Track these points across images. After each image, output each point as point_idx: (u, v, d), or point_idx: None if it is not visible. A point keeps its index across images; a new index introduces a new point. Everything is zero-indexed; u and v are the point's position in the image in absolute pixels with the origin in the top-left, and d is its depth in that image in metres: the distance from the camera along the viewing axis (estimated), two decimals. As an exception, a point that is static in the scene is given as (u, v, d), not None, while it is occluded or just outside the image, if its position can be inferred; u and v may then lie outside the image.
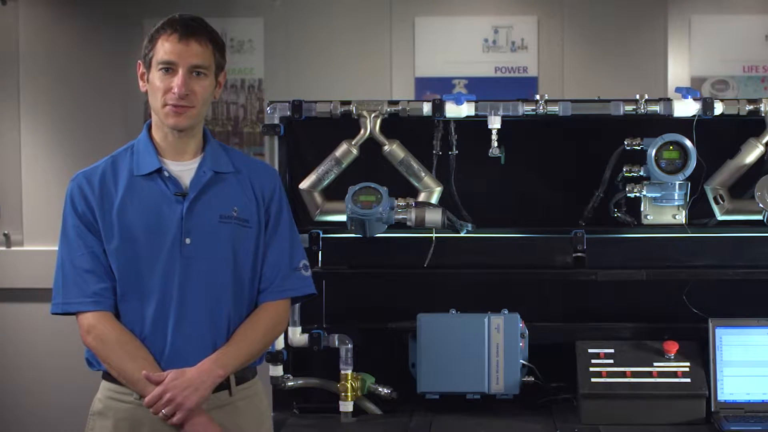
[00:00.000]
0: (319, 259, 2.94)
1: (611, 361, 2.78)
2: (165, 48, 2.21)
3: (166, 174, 2.26)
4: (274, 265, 2.35)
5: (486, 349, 2.81)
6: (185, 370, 2.19)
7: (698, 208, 2.93)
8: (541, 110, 2.89)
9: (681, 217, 2.94)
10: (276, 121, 2.94)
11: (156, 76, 2.23)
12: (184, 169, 2.29)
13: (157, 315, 2.22)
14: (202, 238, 2.25)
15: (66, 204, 2.28)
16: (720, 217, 2.91)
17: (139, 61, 2.29)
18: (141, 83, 2.30)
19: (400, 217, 2.84)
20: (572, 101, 2.91)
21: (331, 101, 2.94)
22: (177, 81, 2.21)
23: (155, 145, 2.30)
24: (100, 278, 2.22)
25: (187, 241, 2.23)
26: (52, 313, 2.27)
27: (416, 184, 2.93)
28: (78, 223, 2.24)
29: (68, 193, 2.28)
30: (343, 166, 2.93)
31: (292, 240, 2.40)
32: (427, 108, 2.91)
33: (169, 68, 2.22)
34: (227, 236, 2.28)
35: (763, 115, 2.88)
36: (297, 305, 2.89)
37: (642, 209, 2.94)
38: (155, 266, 2.22)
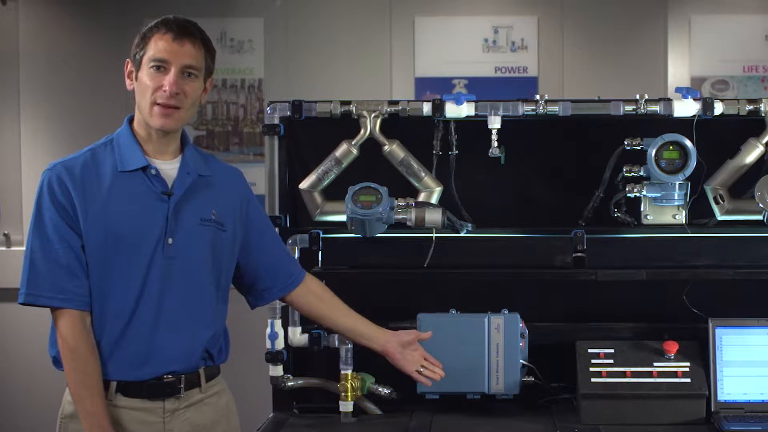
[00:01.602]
0: (319, 259, 2.94)
1: (611, 361, 2.78)
2: (158, 46, 2.21)
3: (152, 172, 2.24)
4: (284, 253, 2.56)
5: (486, 349, 2.81)
6: (399, 333, 2.64)
7: (698, 208, 2.93)
8: (541, 110, 2.89)
9: (681, 217, 2.93)
10: (276, 121, 2.94)
11: (146, 73, 2.22)
12: (167, 168, 2.28)
13: (136, 314, 2.20)
14: (184, 239, 2.25)
15: (42, 193, 2.19)
16: (720, 217, 2.91)
17: (127, 60, 2.28)
18: (128, 81, 2.29)
19: (400, 217, 2.84)
20: (572, 101, 2.91)
21: (331, 101, 2.94)
22: (169, 79, 2.20)
23: (138, 141, 2.27)
24: (74, 275, 2.17)
25: (170, 241, 2.22)
26: (20, 303, 2.21)
27: (416, 184, 2.93)
28: (55, 216, 2.17)
29: (45, 182, 2.19)
30: (343, 166, 2.93)
31: None
32: (427, 108, 2.91)
33: (161, 66, 2.21)
34: (206, 238, 2.29)
35: (763, 115, 2.88)
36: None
37: (642, 209, 2.94)
38: (136, 264, 2.20)
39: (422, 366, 2.63)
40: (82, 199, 2.18)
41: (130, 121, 2.31)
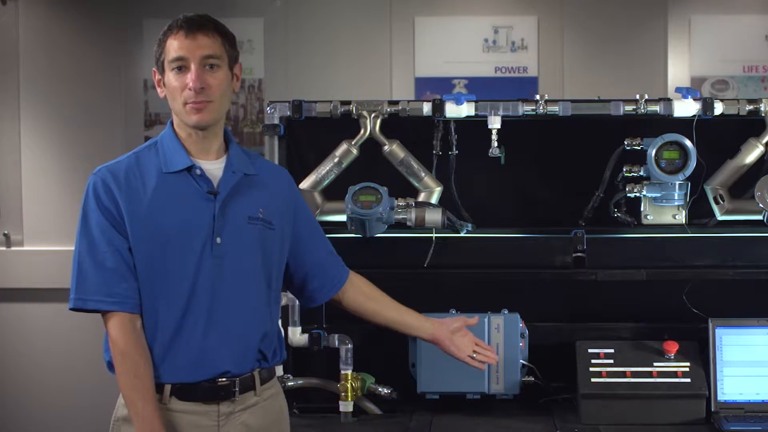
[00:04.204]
0: (319, 259, 2.94)
1: (611, 361, 2.78)
2: (173, 46, 2.19)
3: (197, 172, 2.22)
4: (331, 252, 2.51)
5: (486, 349, 2.81)
6: (445, 321, 2.53)
7: (698, 208, 2.93)
8: (541, 110, 2.89)
9: (681, 217, 2.94)
10: (276, 121, 2.95)
11: (171, 77, 2.20)
12: (212, 168, 2.26)
13: (187, 315, 2.17)
14: (232, 238, 2.22)
15: (88, 198, 2.19)
16: (720, 217, 2.91)
17: (153, 69, 2.27)
18: (159, 90, 2.26)
19: (400, 217, 2.85)
20: (572, 101, 2.91)
21: (331, 101, 2.94)
22: (191, 76, 2.17)
23: (182, 143, 2.26)
24: (123, 278, 2.16)
25: (218, 240, 2.20)
26: (70, 309, 2.19)
27: (416, 184, 2.93)
28: (101, 220, 2.16)
29: (91, 186, 2.20)
30: (343, 166, 2.93)
31: None
32: (427, 108, 2.91)
33: (181, 66, 2.19)
34: (255, 237, 2.26)
35: (763, 115, 2.88)
36: (297, 305, 2.90)
37: (642, 209, 2.94)
38: (186, 265, 2.18)
39: (474, 351, 2.57)
40: (128, 202, 2.18)
41: (173, 123, 2.30)
